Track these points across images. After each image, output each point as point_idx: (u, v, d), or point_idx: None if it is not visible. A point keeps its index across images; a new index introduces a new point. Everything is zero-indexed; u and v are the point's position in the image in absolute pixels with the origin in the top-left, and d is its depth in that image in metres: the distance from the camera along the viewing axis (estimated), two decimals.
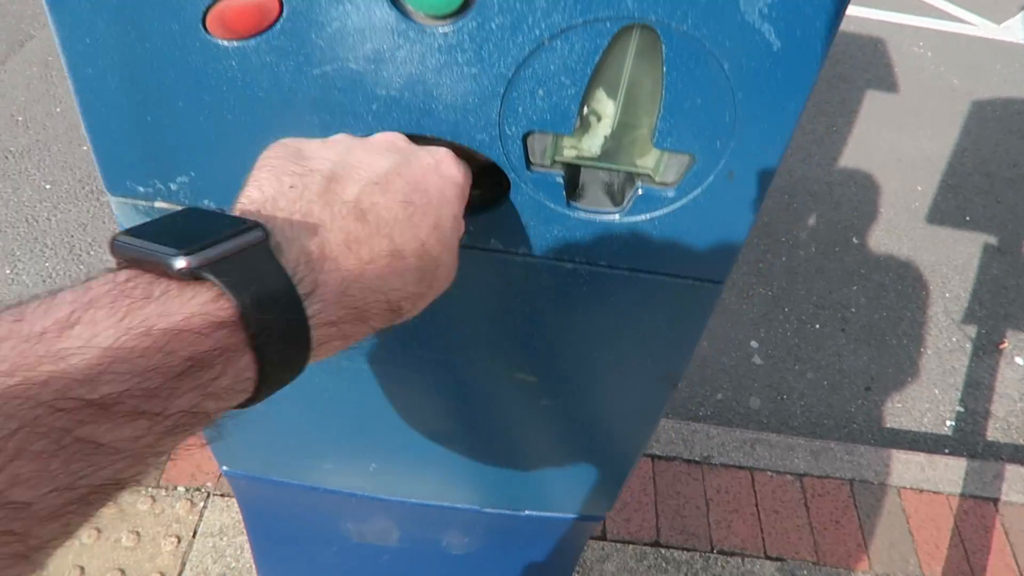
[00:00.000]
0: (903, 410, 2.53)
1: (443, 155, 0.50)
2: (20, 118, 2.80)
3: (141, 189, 0.60)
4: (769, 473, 2.14)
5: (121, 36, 0.50)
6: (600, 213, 0.58)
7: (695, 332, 0.67)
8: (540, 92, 0.51)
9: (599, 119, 0.54)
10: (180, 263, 0.33)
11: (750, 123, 0.52)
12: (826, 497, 2.11)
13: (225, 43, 0.50)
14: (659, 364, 0.70)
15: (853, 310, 2.78)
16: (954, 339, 2.73)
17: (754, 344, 2.61)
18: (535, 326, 0.67)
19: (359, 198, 0.43)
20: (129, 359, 0.30)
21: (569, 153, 0.56)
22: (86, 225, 2.55)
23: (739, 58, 0.49)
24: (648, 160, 0.56)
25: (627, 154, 0.56)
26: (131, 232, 0.36)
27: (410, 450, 0.89)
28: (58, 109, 2.89)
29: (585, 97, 0.52)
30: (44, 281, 2.36)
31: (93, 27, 0.50)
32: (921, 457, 2.24)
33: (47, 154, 2.74)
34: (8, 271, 2.36)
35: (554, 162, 0.56)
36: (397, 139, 0.51)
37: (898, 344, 2.69)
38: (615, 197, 0.59)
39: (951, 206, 3.24)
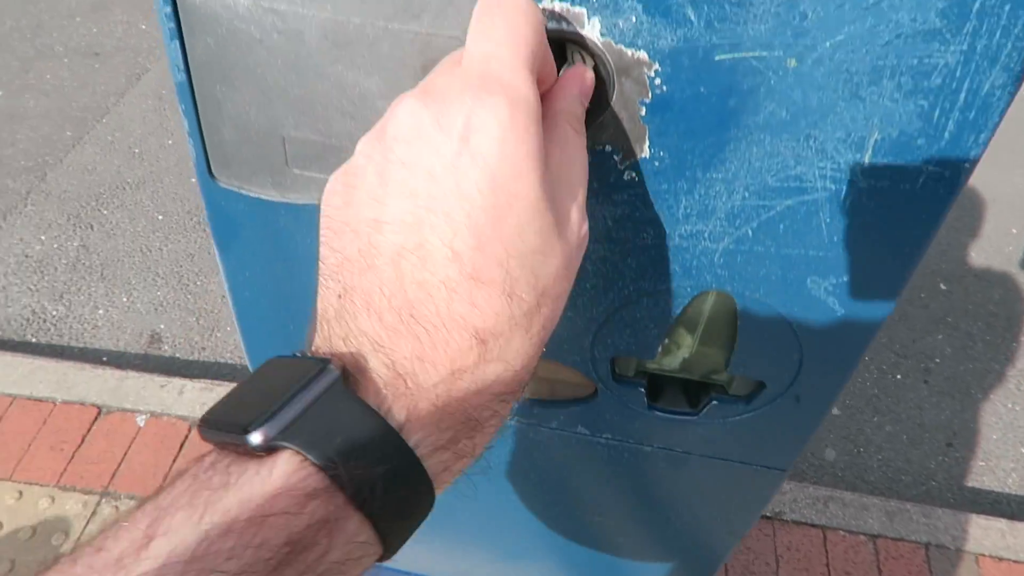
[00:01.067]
0: (986, 469, 2.48)
1: (470, 114, 0.33)
2: (137, 150, 3.02)
3: None
4: (842, 532, 2.14)
5: (276, 272, 0.60)
6: (678, 414, 0.65)
7: (759, 504, 0.73)
8: (627, 331, 0.58)
9: (679, 347, 0.61)
10: (256, 438, 0.30)
11: (815, 365, 0.58)
12: (900, 560, 2.10)
13: None
14: (726, 526, 0.77)
15: (937, 361, 2.73)
16: None
17: None
18: (614, 497, 0.74)
19: (402, 287, 0.34)
20: (215, 566, 0.27)
21: (651, 366, 0.63)
22: (193, 256, 2.74)
23: (806, 320, 0.55)
24: (722, 376, 0.63)
25: (703, 369, 0.63)
26: (211, 411, 0.33)
27: (498, 543, 0.97)
28: (170, 141, 3.09)
29: (667, 331, 0.59)
30: (156, 309, 2.55)
31: (254, 266, 0.60)
32: (1002, 523, 2.20)
33: (160, 185, 2.94)
34: (125, 299, 2.56)
35: (637, 372, 0.63)
36: (406, 129, 0.34)
37: (983, 398, 2.62)
38: (692, 398, 0.66)
39: None
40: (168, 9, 0.46)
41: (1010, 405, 2.58)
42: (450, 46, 0.45)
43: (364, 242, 0.34)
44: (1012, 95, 0.42)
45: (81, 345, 2.37)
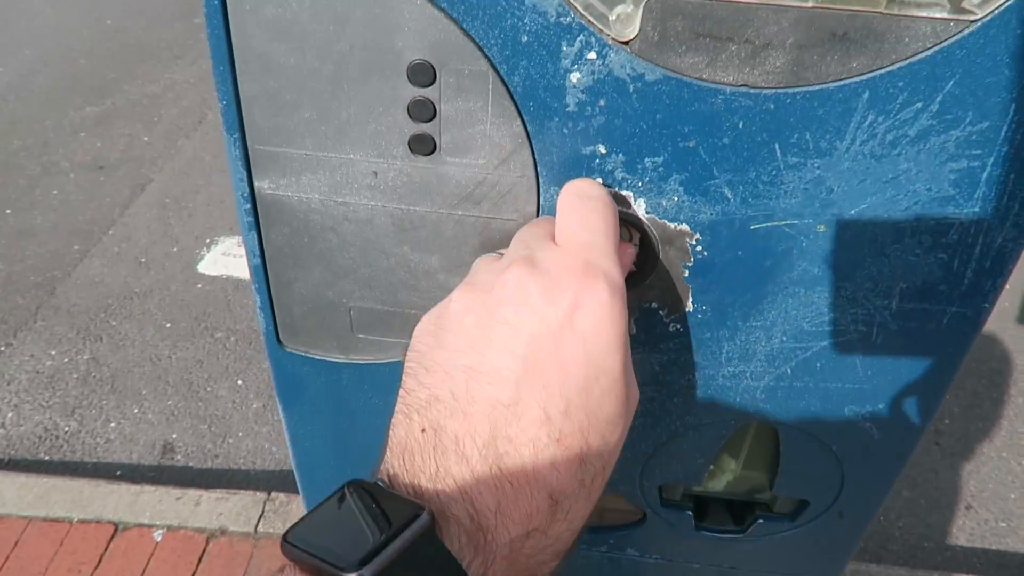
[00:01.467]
0: (1008, 530, 2.46)
1: (580, 295, 0.37)
2: (143, 260, 3.07)
3: None
4: None
5: (338, 427, 0.63)
6: (725, 533, 0.67)
7: None
8: (674, 462, 0.61)
9: (723, 471, 0.64)
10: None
11: (857, 483, 0.60)
12: None
13: None
14: None
15: (947, 421, 2.74)
16: None
17: None
18: None
19: (492, 438, 0.35)
20: None
21: (697, 489, 0.66)
22: (202, 362, 2.76)
23: (845, 444, 0.58)
24: (766, 494, 0.65)
25: (747, 489, 0.66)
26: (298, 530, 0.34)
27: None
28: (175, 249, 3.14)
29: (712, 458, 0.61)
30: (167, 419, 2.55)
31: (318, 421, 0.63)
32: None
33: (167, 293, 2.98)
34: (136, 410, 2.57)
35: (684, 496, 0.66)
36: (516, 293, 0.38)
37: (996, 457, 2.63)
38: (737, 516, 0.68)
39: None
40: (247, 205, 0.50)
41: (1023, 462, 2.59)
42: (508, 227, 0.49)
43: (459, 386, 0.37)
44: (1022, 247, 0.47)
45: (94, 460, 2.37)
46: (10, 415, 2.46)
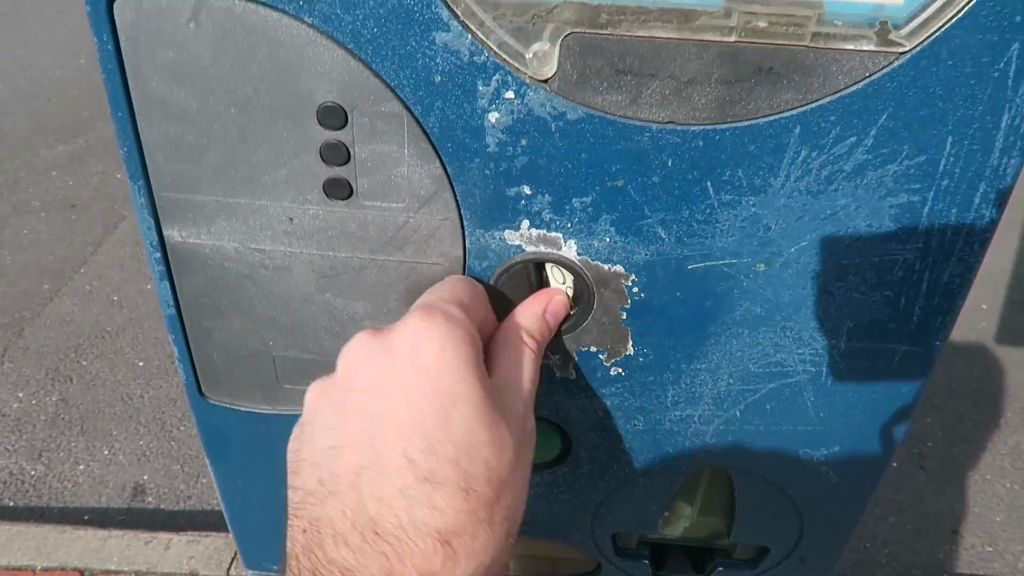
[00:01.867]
0: (995, 554, 2.44)
1: (416, 334, 0.37)
2: (116, 298, 3.02)
3: (275, 567, 0.68)
4: None
5: (269, 479, 0.60)
6: None
7: None
8: (626, 509, 0.58)
9: (679, 518, 0.61)
10: None
11: (817, 529, 0.58)
12: None
13: None
14: None
15: (930, 444, 2.72)
16: None
17: None
18: None
19: (362, 506, 0.34)
20: None
21: (653, 536, 0.63)
22: (176, 400, 2.70)
23: (802, 488, 0.55)
24: (725, 541, 0.62)
25: (706, 535, 0.63)
26: None
27: None
28: (148, 287, 3.10)
29: (666, 505, 0.59)
30: (138, 460, 2.49)
31: (247, 473, 0.60)
32: None
33: (140, 331, 2.93)
34: (106, 451, 2.51)
35: (639, 544, 0.63)
36: (358, 357, 0.38)
37: (981, 480, 2.61)
38: (697, 563, 0.65)
39: (1019, 323, 3.17)
40: (158, 255, 0.48)
41: (1008, 484, 2.57)
42: (433, 272, 0.47)
43: (324, 472, 0.35)
44: (970, 281, 0.45)
45: (62, 505, 2.30)
46: None
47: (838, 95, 0.39)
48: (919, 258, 0.44)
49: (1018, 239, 3.65)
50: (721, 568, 0.63)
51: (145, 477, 2.39)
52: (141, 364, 2.79)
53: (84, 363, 2.74)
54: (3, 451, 2.42)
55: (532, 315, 0.45)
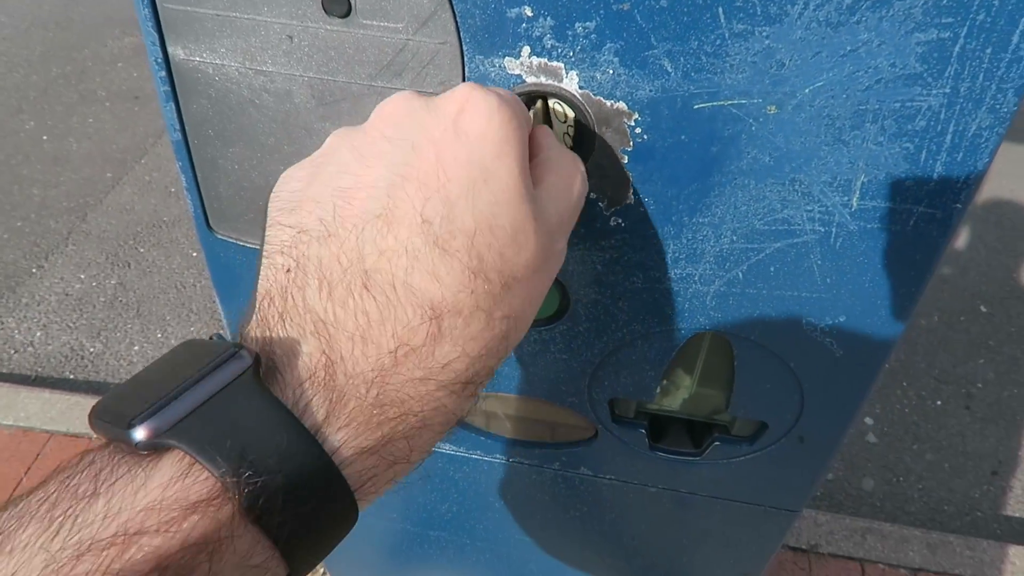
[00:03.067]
0: None
1: (465, 100, 0.34)
2: (173, 189, 3.10)
3: None
4: (881, 566, 2.08)
5: None
6: (681, 454, 0.64)
7: (772, 545, 0.71)
8: (623, 373, 0.58)
9: (677, 388, 0.60)
10: (139, 434, 0.25)
11: (817, 406, 0.56)
12: None
13: None
14: (738, 565, 0.75)
15: (980, 386, 2.64)
16: None
17: (869, 420, 2.53)
18: (620, 536, 0.73)
19: (360, 255, 0.31)
20: None
21: (651, 407, 0.62)
22: None
23: (804, 361, 0.54)
24: (725, 415, 0.62)
25: (705, 409, 0.62)
26: (105, 397, 0.28)
27: None
28: None
29: (664, 372, 0.58)
30: None
31: None
32: None
33: (194, 223, 2.99)
34: (160, 335, 2.62)
35: (637, 414, 0.63)
36: (398, 109, 0.35)
37: None
38: (695, 438, 0.65)
39: None
40: (163, 73, 0.48)
41: None
42: None
43: (328, 212, 0.32)
44: (1001, 136, 0.41)
45: (117, 381, 2.42)
46: (39, 334, 2.53)
47: None
48: (945, 105, 0.41)
49: None
50: (718, 443, 0.62)
51: None
52: (195, 255, 2.87)
53: (142, 250, 2.84)
54: (66, 327, 2.55)
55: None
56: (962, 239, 3.14)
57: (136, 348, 2.52)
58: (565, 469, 0.68)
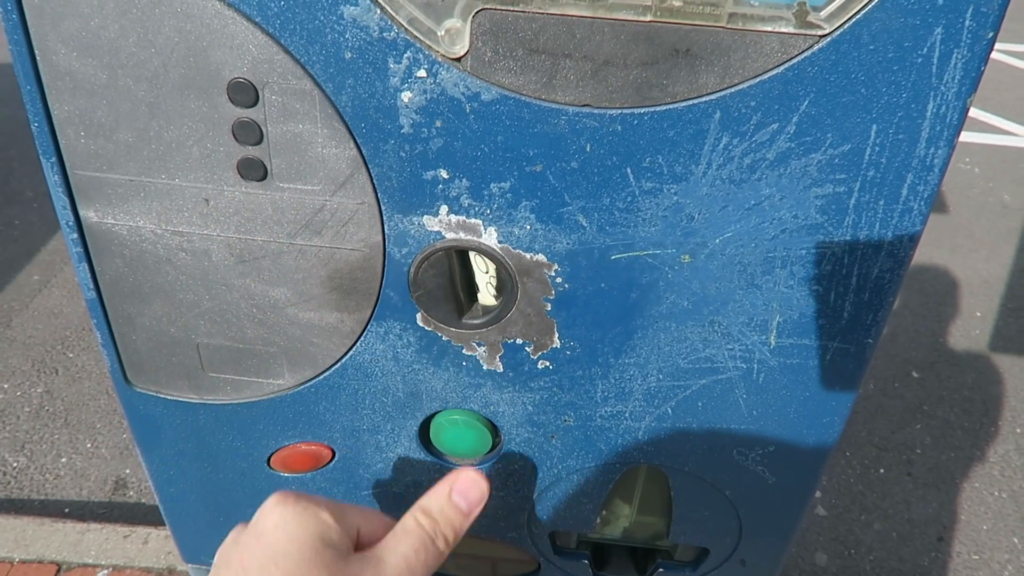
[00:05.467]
0: (980, 563, 2.42)
1: (262, 512, 0.43)
2: None
3: (212, 560, 0.67)
4: None
5: (200, 469, 0.58)
6: None
7: None
8: (562, 507, 0.57)
9: (617, 517, 0.60)
10: None
11: (756, 530, 0.56)
12: None
13: (287, 475, 0.58)
14: None
15: (919, 451, 2.70)
16: None
17: (817, 493, 2.55)
18: None
19: None
20: None
21: (593, 536, 0.61)
22: None
23: (738, 489, 0.54)
24: (666, 541, 0.61)
25: (646, 535, 0.61)
26: None
27: None
28: None
29: (603, 504, 0.57)
30: (121, 453, 2.48)
31: (179, 464, 0.58)
32: None
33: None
34: (89, 444, 2.50)
35: (579, 543, 0.62)
36: (225, 546, 0.45)
37: (969, 488, 2.59)
38: (639, 564, 0.64)
39: (1013, 331, 3.15)
40: (74, 235, 0.47)
41: (996, 493, 2.55)
42: (352, 257, 0.45)
43: None
44: (901, 277, 0.43)
45: (42, 497, 2.29)
46: None
47: (758, 79, 0.38)
48: (847, 252, 0.42)
49: (1014, 247, 3.64)
50: (662, 569, 0.61)
51: (127, 471, 2.38)
52: None
53: (71, 355, 2.74)
54: None
55: (436, 495, 0.44)
56: None
57: (64, 460, 2.40)
58: None
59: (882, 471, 2.65)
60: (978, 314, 3.25)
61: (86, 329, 2.86)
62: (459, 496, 0.44)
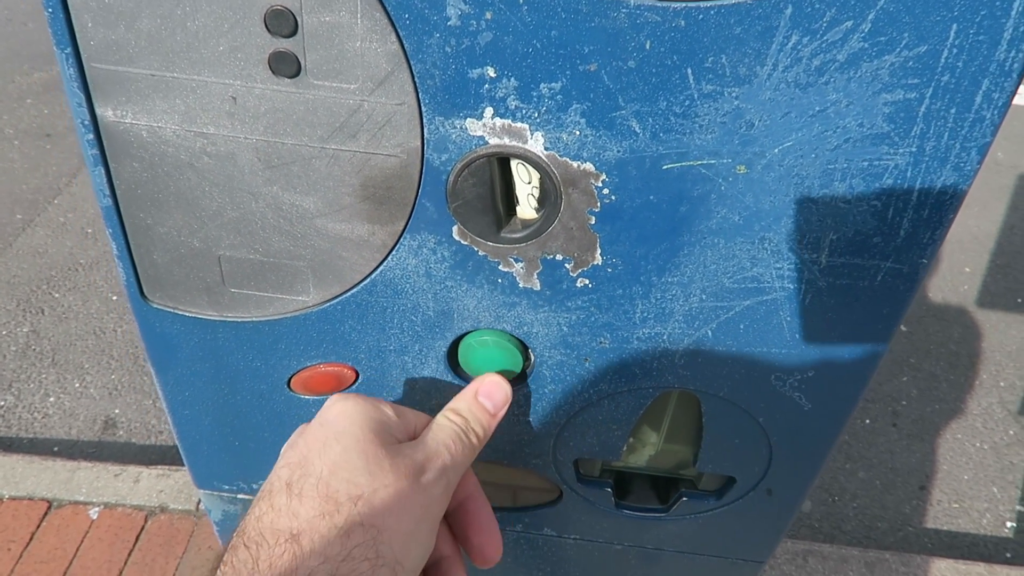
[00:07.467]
0: (960, 511, 2.47)
1: (329, 404, 0.45)
2: (90, 230, 2.96)
3: (227, 487, 0.66)
4: None
5: (217, 391, 0.57)
6: (647, 511, 0.63)
7: None
8: (589, 433, 0.56)
9: (644, 445, 0.59)
10: None
11: (785, 459, 0.56)
12: None
13: (307, 397, 0.56)
14: None
15: (904, 403, 2.74)
16: (1011, 432, 2.67)
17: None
18: None
19: (264, 511, 0.42)
20: None
21: (617, 465, 0.60)
22: None
23: (772, 416, 0.53)
24: (691, 470, 0.60)
25: (671, 464, 0.61)
26: None
27: None
28: None
29: (631, 431, 0.56)
30: (110, 394, 2.47)
31: (195, 385, 0.56)
32: (981, 567, 2.19)
33: (114, 265, 2.86)
34: (78, 385, 2.48)
35: (603, 472, 0.61)
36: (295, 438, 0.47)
37: (952, 439, 2.64)
38: (661, 493, 0.63)
39: (1001, 288, 3.18)
40: (90, 136, 0.44)
41: (978, 444, 2.60)
42: (388, 164, 0.43)
43: (274, 483, 0.43)
44: (964, 193, 0.42)
45: (31, 436, 2.28)
46: None
47: None
48: (911, 164, 0.40)
49: (1005, 205, 3.65)
50: (685, 499, 0.61)
51: (116, 411, 2.36)
52: (115, 298, 2.74)
53: (56, 295, 2.69)
54: None
55: (463, 397, 0.48)
56: None
57: (52, 399, 2.38)
58: (528, 531, 0.65)
59: (868, 421, 2.68)
60: (967, 270, 3.27)
61: (72, 269, 2.81)
62: (485, 397, 0.48)
